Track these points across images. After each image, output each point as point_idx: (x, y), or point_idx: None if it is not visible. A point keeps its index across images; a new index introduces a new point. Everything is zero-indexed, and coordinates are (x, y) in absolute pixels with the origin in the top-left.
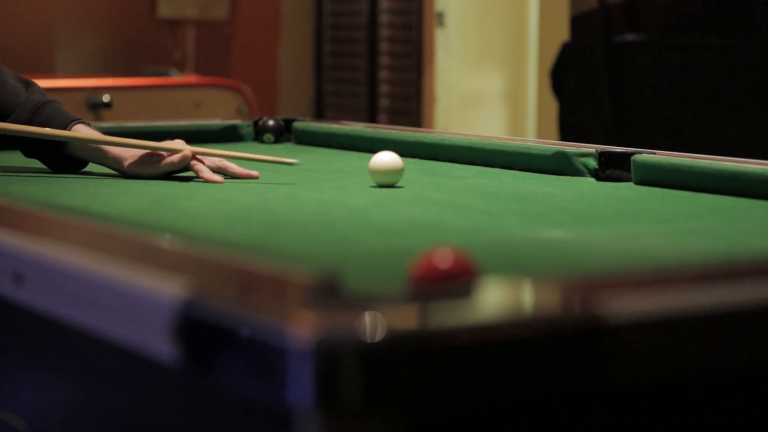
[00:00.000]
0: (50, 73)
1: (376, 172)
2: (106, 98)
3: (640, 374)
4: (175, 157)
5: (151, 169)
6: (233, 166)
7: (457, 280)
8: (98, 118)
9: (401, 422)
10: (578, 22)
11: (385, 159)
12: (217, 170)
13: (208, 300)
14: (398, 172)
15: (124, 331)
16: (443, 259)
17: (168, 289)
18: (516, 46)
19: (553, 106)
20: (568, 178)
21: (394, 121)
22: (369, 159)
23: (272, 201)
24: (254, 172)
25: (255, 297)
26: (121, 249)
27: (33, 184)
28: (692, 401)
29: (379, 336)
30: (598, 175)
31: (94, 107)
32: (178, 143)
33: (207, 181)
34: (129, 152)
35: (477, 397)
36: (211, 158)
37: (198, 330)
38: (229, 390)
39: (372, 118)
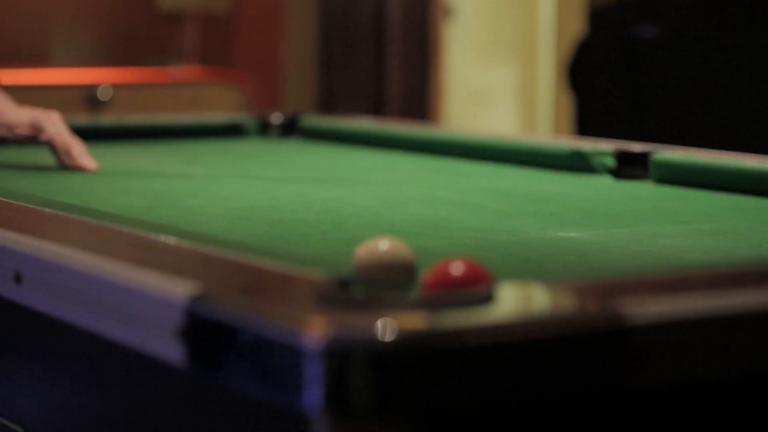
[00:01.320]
0: (46, 65)
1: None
2: (105, 95)
3: (659, 379)
4: (23, 130)
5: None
6: (78, 152)
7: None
8: (97, 112)
9: (413, 426)
10: (594, 16)
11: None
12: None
13: (215, 300)
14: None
15: (129, 333)
16: (456, 268)
17: (175, 289)
18: (528, 40)
19: (566, 101)
20: (584, 176)
21: (401, 116)
22: (378, 157)
23: (279, 199)
24: (92, 165)
25: (263, 298)
26: (126, 248)
27: (31, 181)
28: (713, 406)
29: (389, 337)
30: (616, 173)
31: (93, 103)
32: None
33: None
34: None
35: (491, 401)
36: (66, 139)
37: (205, 331)
38: (238, 392)
39: (379, 113)
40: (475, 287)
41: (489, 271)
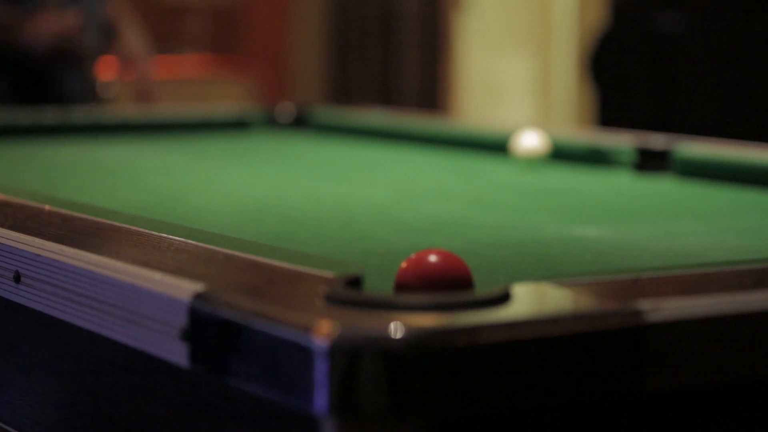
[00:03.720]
0: None
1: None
2: (110, 91)
3: (680, 381)
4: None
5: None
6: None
7: (448, 275)
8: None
9: (425, 428)
10: (617, 6)
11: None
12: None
13: (221, 300)
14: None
15: (132, 334)
16: (431, 253)
17: (179, 288)
18: (543, 31)
19: (583, 93)
20: (604, 171)
21: (414, 108)
22: (391, 151)
23: (288, 196)
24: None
25: (270, 297)
26: (130, 247)
27: (31, 176)
28: (737, 409)
29: (399, 337)
30: (637, 167)
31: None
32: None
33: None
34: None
35: (505, 403)
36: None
37: (210, 331)
38: (244, 394)
39: (390, 105)
40: (454, 278)
41: (467, 266)
